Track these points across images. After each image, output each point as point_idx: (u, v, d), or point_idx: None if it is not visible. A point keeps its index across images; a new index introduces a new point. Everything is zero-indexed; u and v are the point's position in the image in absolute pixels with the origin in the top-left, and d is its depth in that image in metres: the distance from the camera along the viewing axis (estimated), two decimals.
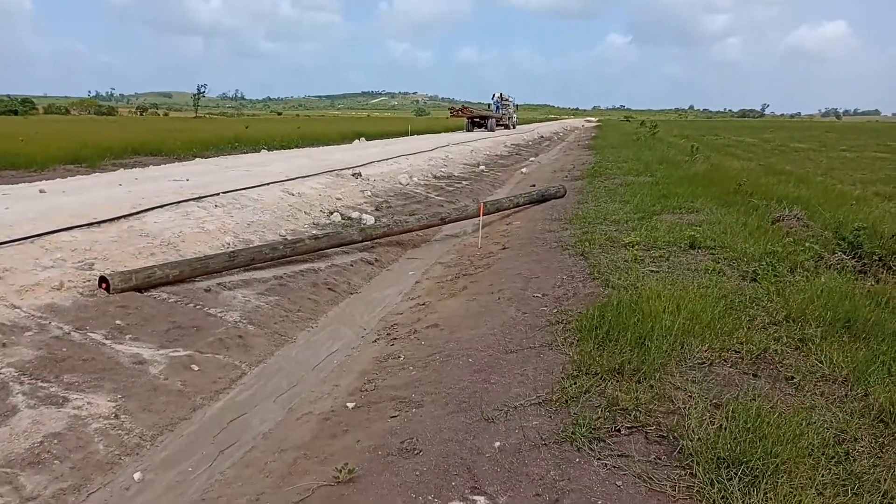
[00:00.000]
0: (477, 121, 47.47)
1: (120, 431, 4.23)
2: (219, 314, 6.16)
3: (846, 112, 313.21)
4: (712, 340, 4.64)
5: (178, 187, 10.88)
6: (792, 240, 7.67)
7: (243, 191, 10.84)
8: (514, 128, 51.70)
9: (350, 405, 4.51)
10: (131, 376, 4.81)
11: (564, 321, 5.31)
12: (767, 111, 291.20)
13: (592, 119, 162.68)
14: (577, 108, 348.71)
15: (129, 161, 19.22)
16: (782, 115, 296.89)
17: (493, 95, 52.60)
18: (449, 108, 51.35)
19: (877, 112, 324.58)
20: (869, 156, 25.93)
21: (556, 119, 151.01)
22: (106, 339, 5.24)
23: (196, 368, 5.15)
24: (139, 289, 6.19)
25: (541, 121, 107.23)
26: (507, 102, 53.35)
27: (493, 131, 45.31)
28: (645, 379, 4.10)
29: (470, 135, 39.39)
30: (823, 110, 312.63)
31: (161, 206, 8.89)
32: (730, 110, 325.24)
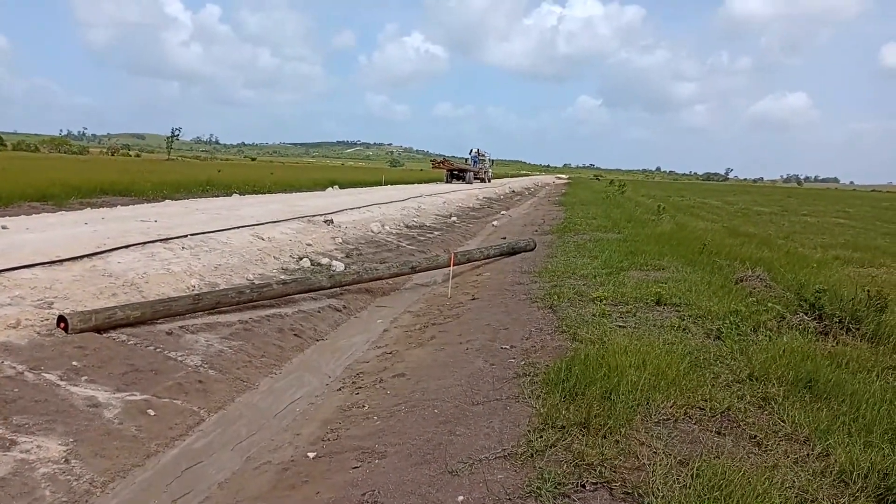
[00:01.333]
0: (456, 173, 50.97)
1: (69, 477, 4.05)
2: (179, 358, 6.01)
3: (807, 178, 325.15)
4: (677, 397, 4.66)
5: (146, 228, 10.74)
6: (755, 300, 7.81)
7: (212, 233, 10.74)
8: (489, 181, 54.76)
9: (311, 455, 4.40)
10: (85, 419, 4.64)
11: (532, 373, 5.29)
12: (731, 175, 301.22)
13: (563, 176, 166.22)
14: (548, 165, 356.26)
15: (97, 200, 18.94)
16: (745, 179, 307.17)
17: (471, 151, 55.85)
18: (431, 161, 55.57)
19: (836, 180, 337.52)
20: (829, 221, 26.84)
21: (528, 175, 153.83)
22: (61, 380, 5.06)
23: (152, 413, 4.99)
24: (99, 329, 6.03)
25: (513, 176, 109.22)
26: (483, 157, 56.50)
27: (471, 183, 48.40)
28: (611, 434, 4.08)
29: (443, 186, 40.11)
30: (785, 176, 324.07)
31: (126, 247, 8.75)
32: (695, 173, 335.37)
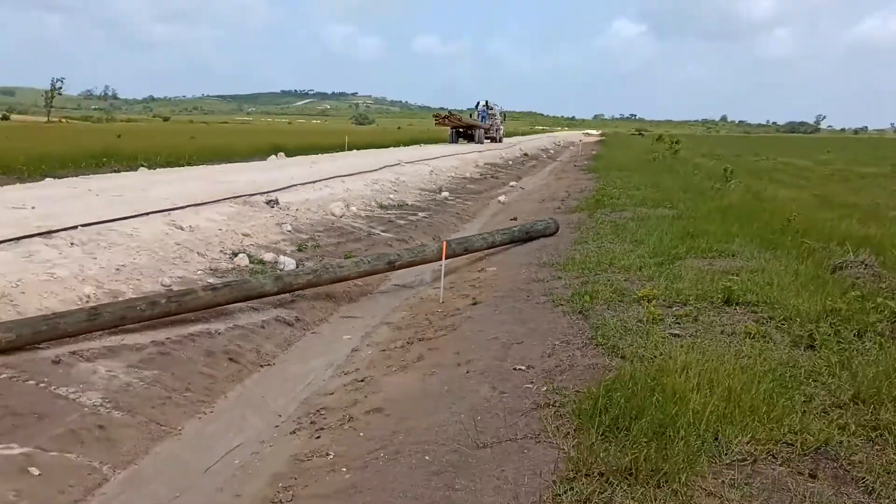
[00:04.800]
0: (462, 131, 54.95)
1: None
2: (71, 395, 6.00)
3: None
4: (756, 429, 4.68)
5: (21, 218, 10.69)
6: (860, 294, 7.85)
7: (111, 223, 10.70)
8: (500, 141, 58.43)
9: None
10: None
11: (557, 403, 5.31)
12: (824, 124, 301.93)
13: (593, 132, 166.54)
14: (573, 118, 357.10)
15: None
16: (843, 129, 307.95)
17: (478, 103, 59.89)
18: (434, 116, 59.83)
19: None
20: None
21: (546, 131, 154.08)
22: None
23: (36, 472, 4.98)
24: None
25: (525, 133, 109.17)
26: (492, 112, 60.14)
27: (482, 143, 52.24)
28: (666, 483, 4.10)
29: (430, 150, 40.23)
30: None
31: None
32: (774, 123, 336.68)
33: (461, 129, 55.92)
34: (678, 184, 21.62)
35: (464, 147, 47.84)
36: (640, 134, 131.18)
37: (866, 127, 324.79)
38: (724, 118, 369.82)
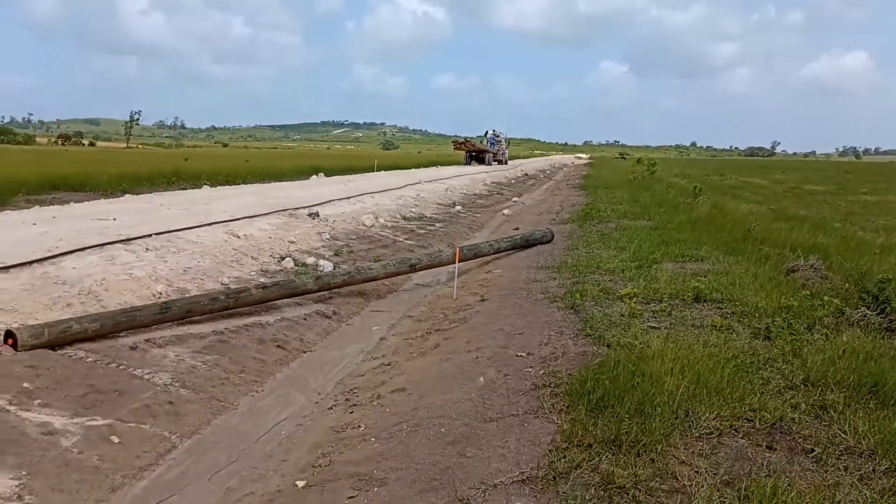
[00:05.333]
0: (475, 154, 57.29)
1: None
2: (146, 376, 6.04)
3: (867, 151, 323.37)
4: (721, 407, 4.66)
5: (104, 228, 10.77)
6: (809, 293, 7.81)
7: (179, 232, 10.76)
8: (506, 163, 60.13)
9: (300, 484, 4.41)
10: (39, 449, 4.66)
11: (552, 384, 5.30)
12: (778, 149, 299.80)
13: (583, 155, 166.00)
14: (565, 143, 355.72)
15: (47, 197, 19.00)
16: (795, 153, 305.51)
17: (487, 132, 61.83)
18: (453, 142, 63.56)
19: None
20: (893, 200, 26.76)
21: (543, 155, 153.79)
22: (10, 404, 5.08)
23: (116, 440, 5.01)
24: (52, 346, 6.04)
25: (525, 157, 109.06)
26: (499, 138, 62.00)
27: (490, 165, 54.30)
28: (645, 452, 4.08)
29: (444, 171, 40.34)
30: (841, 149, 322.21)
31: (82, 250, 8.77)
32: (736, 148, 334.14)
33: (474, 153, 57.64)
34: (655, 199, 21.54)
35: (475, 168, 48.32)
36: (622, 157, 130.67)
37: (815, 151, 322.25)
38: (693, 144, 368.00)
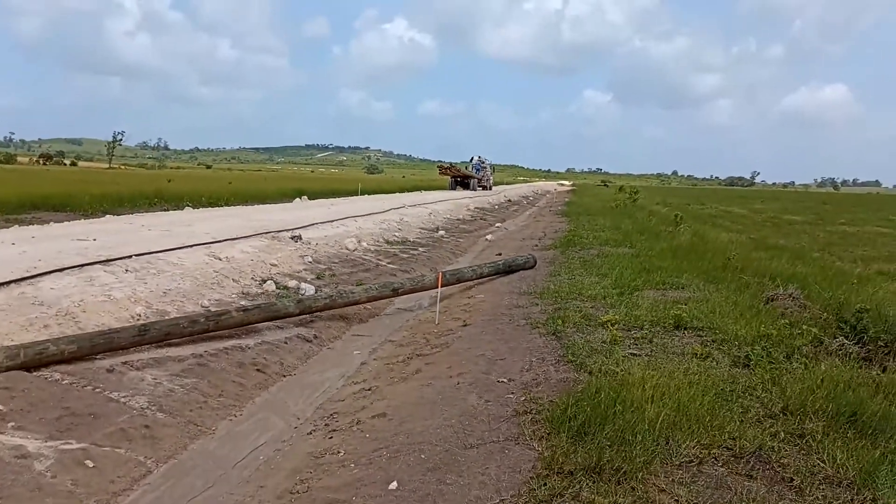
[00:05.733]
0: (460, 180, 58.30)
1: None
2: (122, 399, 5.95)
3: (844, 182, 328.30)
4: (702, 435, 4.67)
5: (83, 248, 10.67)
6: (788, 322, 7.86)
7: (160, 254, 10.68)
8: (490, 188, 61.22)
9: None
10: (11, 473, 4.57)
11: (534, 411, 5.28)
12: (758, 179, 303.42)
13: (566, 182, 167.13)
14: (549, 170, 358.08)
15: (27, 217, 18.80)
16: (774, 183, 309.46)
17: (472, 158, 63.10)
18: (438, 167, 64.24)
19: (877, 183, 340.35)
20: (870, 230, 27.14)
21: (527, 181, 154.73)
22: None
23: (91, 465, 4.92)
24: (27, 367, 5.95)
25: (509, 183, 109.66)
26: (484, 164, 63.39)
27: (475, 190, 55.18)
28: (626, 480, 4.07)
29: (429, 196, 40.46)
30: (819, 179, 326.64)
31: (60, 270, 8.68)
32: (717, 177, 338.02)
33: (459, 178, 58.62)
34: (637, 227, 21.69)
35: (459, 193, 48.74)
36: (605, 185, 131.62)
37: (794, 181, 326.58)
38: (675, 172, 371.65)
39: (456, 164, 64.18)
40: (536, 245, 18.45)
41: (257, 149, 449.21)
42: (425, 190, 52.50)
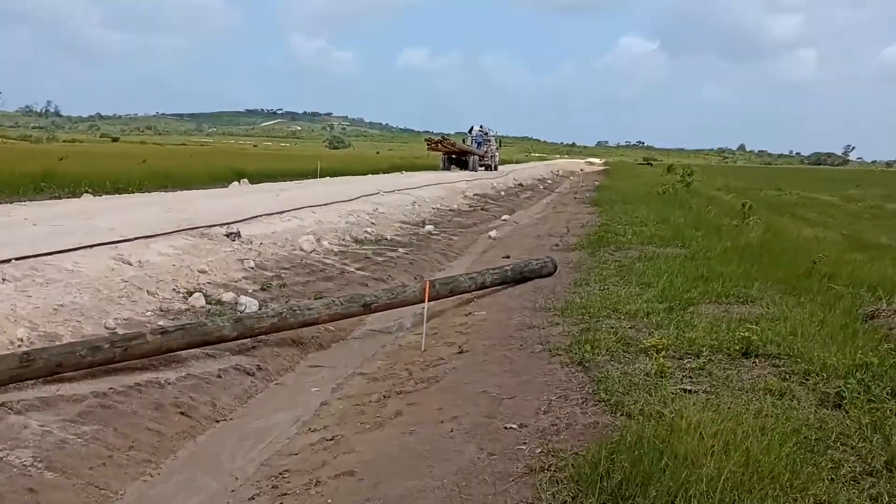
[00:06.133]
0: (456, 157, 57.31)
1: None
2: None
3: None
4: (778, 499, 4.66)
5: None
6: (894, 347, 7.88)
7: (49, 257, 10.62)
8: (496, 168, 60.41)
9: None
10: None
11: (553, 467, 5.27)
12: (853, 156, 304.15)
13: (596, 160, 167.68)
14: (573, 144, 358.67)
15: None
16: (874, 162, 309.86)
17: (472, 128, 62.15)
18: (426, 140, 62.53)
19: None
20: None
21: (543, 159, 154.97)
22: None
23: None
24: None
25: (520, 161, 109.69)
26: (488, 137, 62.47)
27: (475, 171, 54.22)
28: None
29: (413, 179, 40.31)
30: None
31: None
32: (798, 153, 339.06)
33: (454, 156, 57.82)
34: (691, 220, 21.73)
35: (454, 175, 48.36)
36: (648, 163, 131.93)
37: None
38: (742, 147, 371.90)
39: (449, 136, 63.71)
40: (557, 244, 18.46)
41: (181, 115, 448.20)
42: (408, 171, 52.53)
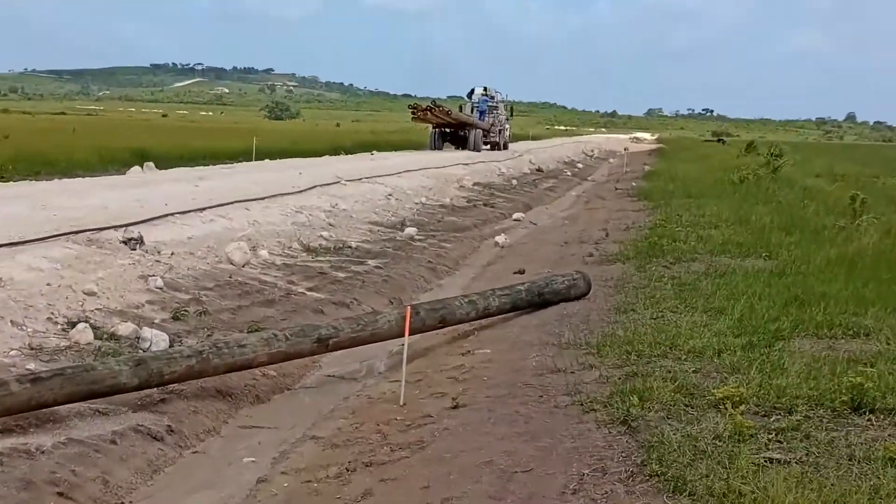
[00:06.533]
0: (450, 132, 57.96)
1: None
2: None
3: None
4: None
5: None
6: None
7: None
8: (505, 147, 61.29)
9: None
10: None
11: None
12: None
13: (646, 135, 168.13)
14: (613, 113, 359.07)
15: None
16: None
17: (473, 91, 62.60)
18: (411, 107, 61.99)
19: None
20: None
21: (571, 133, 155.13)
22: None
23: None
24: None
25: (536, 137, 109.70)
26: (494, 103, 62.62)
27: (478, 151, 54.46)
28: None
29: (389, 162, 40.25)
30: None
31: None
32: None
33: (448, 129, 58.20)
34: (779, 220, 21.73)
35: (447, 155, 48.53)
36: (719, 140, 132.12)
37: None
38: (851, 117, 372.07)
39: (441, 101, 63.26)
40: (590, 255, 18.48)
41: (58, 73, 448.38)
42: (382, 150, 52.52)
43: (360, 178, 29.31)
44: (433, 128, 58.90)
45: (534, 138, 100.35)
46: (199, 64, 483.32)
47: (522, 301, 13.13)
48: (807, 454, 6.86)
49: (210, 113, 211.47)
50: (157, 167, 32.14)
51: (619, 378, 8.97)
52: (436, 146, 56.93)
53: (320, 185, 25.68)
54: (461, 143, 57.16)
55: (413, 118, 60.43)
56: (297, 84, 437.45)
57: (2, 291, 11.17)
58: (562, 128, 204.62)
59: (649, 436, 7.28)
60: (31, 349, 10.03)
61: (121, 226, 15.38)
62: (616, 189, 39.56)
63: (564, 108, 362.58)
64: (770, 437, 7.24)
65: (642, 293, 13.30)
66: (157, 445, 8.67)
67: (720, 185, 34.20)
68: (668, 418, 7.72)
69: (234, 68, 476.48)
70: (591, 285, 13.89)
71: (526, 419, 8.22)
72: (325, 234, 19.66)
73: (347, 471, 7.89)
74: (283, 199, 22.11)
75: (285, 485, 7.93)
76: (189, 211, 18.31)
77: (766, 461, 6.68)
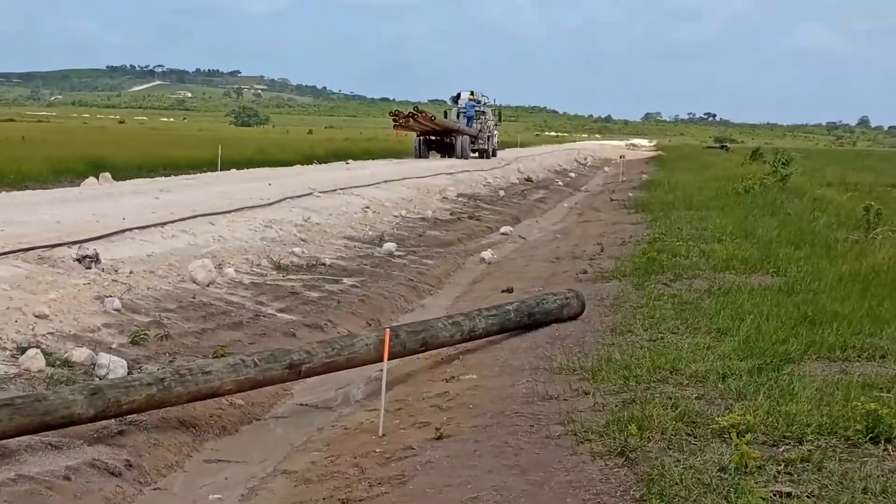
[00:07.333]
0: (436, 139, 59.10)
1: None
2: None
3: None
4: None
5: None
6: None
7: None
8: (493, 155, 62.11)
9: None
10: None
11: None
12: None
13: (644, 142, 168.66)
14: (607, 118, 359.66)
15: None
16: None
17: (459, 95, 63.42)
18: (392, 114, 61.17)
19: None
20: None
21: (563, 140, 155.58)
22: None
23: None
24: None
25: (524, 143, 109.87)
26: (481, 108, 63.54)
27: (465, 159, 55.57)
28: None
29: (366, 172, 40.35)
30: None
31: None
32: None
33: (432, 136, 59.01)
34: (788, 233, 21.80)
35: (431, 164, 48.46)
36: (722, 147, 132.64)
37: None
38: (864, 122, 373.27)
39: (422, 106, 63.47)
40: (584, 271, 18.51)
41: (6, 76, 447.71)
42: (358, 159, 52.55)
43: (335, 190, 29.36)
44: (417, 135, 59.31)
45: (522, 145, 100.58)
46: (159, 66, 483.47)
47: (511, 322, 13.14)
48: (819, 487, 6.87)
49: (171, 119, 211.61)
50: (114, 178, 32.12)
51: (616, 405, 8.98)
52: (421, 154, 57.52)
53: (291, 198, 25.73)
54: (447, 150, 57.83)
55: (395, 126, 60.60)
56: (265, 87, 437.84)
57: None
58: (552, 134, 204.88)
59: (649, 468, 7.29)
60: None
61: (74, 242, 15.37)
62: (612, 200, 39.61)
63: (555, 112, 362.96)
64: (779, 468, 7.25)
65: (640, 313, 13.32)
66: (114, 482, 8.65)
67: (723, 195, 34.29)
68: (669, 449, 7.73)
69: (198, 70, 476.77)
70: (585, 305, 13.90)
71: (515, 451, 8.22)
72: (296, 250, 19.65)
73: None
74: (251, 213, 22.13)
75: None
76: (149, 226, 18.33)
77: (774, 495, 6.69)
